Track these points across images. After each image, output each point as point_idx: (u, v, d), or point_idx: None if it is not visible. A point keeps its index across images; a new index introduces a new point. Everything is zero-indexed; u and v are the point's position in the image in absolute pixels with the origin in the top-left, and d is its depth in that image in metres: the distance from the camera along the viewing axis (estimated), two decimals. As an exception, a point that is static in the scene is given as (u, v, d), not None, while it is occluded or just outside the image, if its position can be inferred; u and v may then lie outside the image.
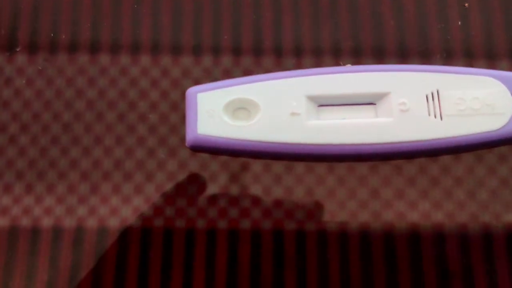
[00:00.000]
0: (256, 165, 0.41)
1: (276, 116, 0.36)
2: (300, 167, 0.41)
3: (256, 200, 0.41)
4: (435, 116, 0.37)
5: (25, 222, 0.41)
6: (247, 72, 0.43)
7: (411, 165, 0.41)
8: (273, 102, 0.37)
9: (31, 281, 0.40)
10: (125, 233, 0.40)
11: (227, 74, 0.43)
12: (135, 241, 0.40)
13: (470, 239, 0.40)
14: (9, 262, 0.40)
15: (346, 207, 0.41)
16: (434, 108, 0.37)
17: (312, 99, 0.37)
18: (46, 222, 0.41)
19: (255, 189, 0.41)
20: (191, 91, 0.36)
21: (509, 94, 0.37)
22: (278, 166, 0.41)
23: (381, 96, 0.37)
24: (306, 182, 0.41)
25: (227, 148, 0.36)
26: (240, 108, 0.37)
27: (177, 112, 0.42)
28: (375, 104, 0.38)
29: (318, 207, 0.41)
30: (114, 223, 0.41)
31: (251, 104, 0.37)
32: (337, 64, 0.43)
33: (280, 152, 0.36)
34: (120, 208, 0.41)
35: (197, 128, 0.36)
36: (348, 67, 0.38)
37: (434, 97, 0.37)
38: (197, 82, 0.43)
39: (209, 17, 0.44)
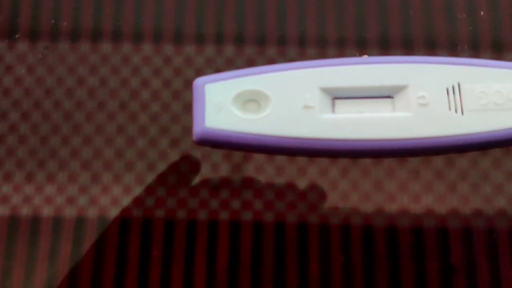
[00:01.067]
0: (259, 156, 0.38)
1: (288, 109, 0.33)
2: (302, 158, 0.38)
3: (258, 192, 0.37)
4: (455, 111, 0.33)
5: (25, 211, 0.38)
6: (250, 62, 0.39)
7: (415, 157, 0.38)
8: (285, 94, 0.33)
9: (31, 270, 0.37)
10: (126, 223, 0.37)
11: (230, 63, 0.39)
12: (136, 231, 0.37)
13: (474, 234, 0.37)
14: (9, 251, 0.37)
15: (348, 199, 0.37)
16: (455, 102, 0.33)
17: (327, 91, 0.34)
18: (47, 212, 0.37)
19: (257, 181, 0.38)
20: (198, 82, 0.32)
21: (535, 88, 0.34)
22: (280, 157, 0.38)
23: (399, 89, 0.34)
24: (309, 174, 0.38)
25: (236, 142, 0.33)
26: (250, 101, 0.34)
27: (179, 101, 0.39)
28: (392, 97, 0.34)
29: (320, 199, 0.37)
30: (115, 213, 0.37)
31: (262, 96, 0.34)
32: (343, 54, 0.39)
33: (291, 147, 0.33)
34: (121, 198, 0.38)
35: (205, 121, 0.33)
36: (365, 58, 0.35)
37: (455, 90, 0.33)
38: (199, 71, 0.39)
39: (213, 6, 0.40)
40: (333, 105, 0.34)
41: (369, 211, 0.37)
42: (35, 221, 0.37)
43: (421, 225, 0.37)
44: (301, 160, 0.38)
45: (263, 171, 0.38)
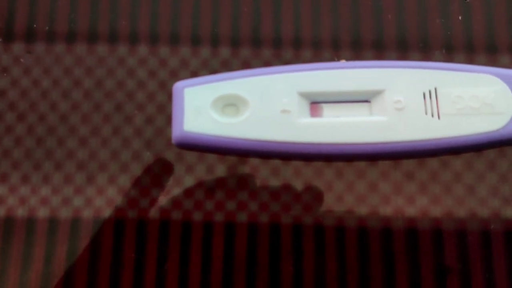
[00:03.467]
0: (254, 158, 0.38)
1: (266, 113, 0.34)
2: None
3: (253, 193, 0.38)
4: (432, 115, 0.34)
5: (21, 212, 0.39)
6: (245, 64, 0.40)
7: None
8: (263, 99, 0.34)
9: (27, 271, 0.38)
10: (121, 224, 0.38)
11: (225, 65, 0.40)
12: (131, 232, 0.38)
13: (468, 235, 0.37)
14: (5, 252, 0.38)
15: (343, 201, 0.38)
16: (431, 106, 0.34)
17: (304, 95, 0.35)
18: (42, 213, 0.39)
19: (253, 182, 0.38)
20: (178, 86, 0.33)
21: (510, 92, 0.34)
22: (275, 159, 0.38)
23: (376, 94, 0.35)
24: (304, 175, 0.38)
25: (214, 146, 0.34)
26: (229, 105, 0.35)
27: (174, 102, 0.38)
28: (369, 101, 0.35)
29: (315, 201, 0.38)
30: (110, 214, 0.38)
31: (241, 100, 0.35)
32: (336, 57, 0.39)
33: (269, 151, 0.34)
34: (116, 199, 0.39)
35: (183, 125, 0.34)
36: (342, 63, 0.35)
37: (431, 95, 0.34)
38: (194, 73, 0.40)
39: (208, 8, 0.41)
40: (311, 109, 0.34)
41: (364, 213, 0.38)
42: (31, 222, 0.39)
43: (415, 227, 0.37)
44: (297, 161, 0.38)
45: (258, 172, 0.38)
